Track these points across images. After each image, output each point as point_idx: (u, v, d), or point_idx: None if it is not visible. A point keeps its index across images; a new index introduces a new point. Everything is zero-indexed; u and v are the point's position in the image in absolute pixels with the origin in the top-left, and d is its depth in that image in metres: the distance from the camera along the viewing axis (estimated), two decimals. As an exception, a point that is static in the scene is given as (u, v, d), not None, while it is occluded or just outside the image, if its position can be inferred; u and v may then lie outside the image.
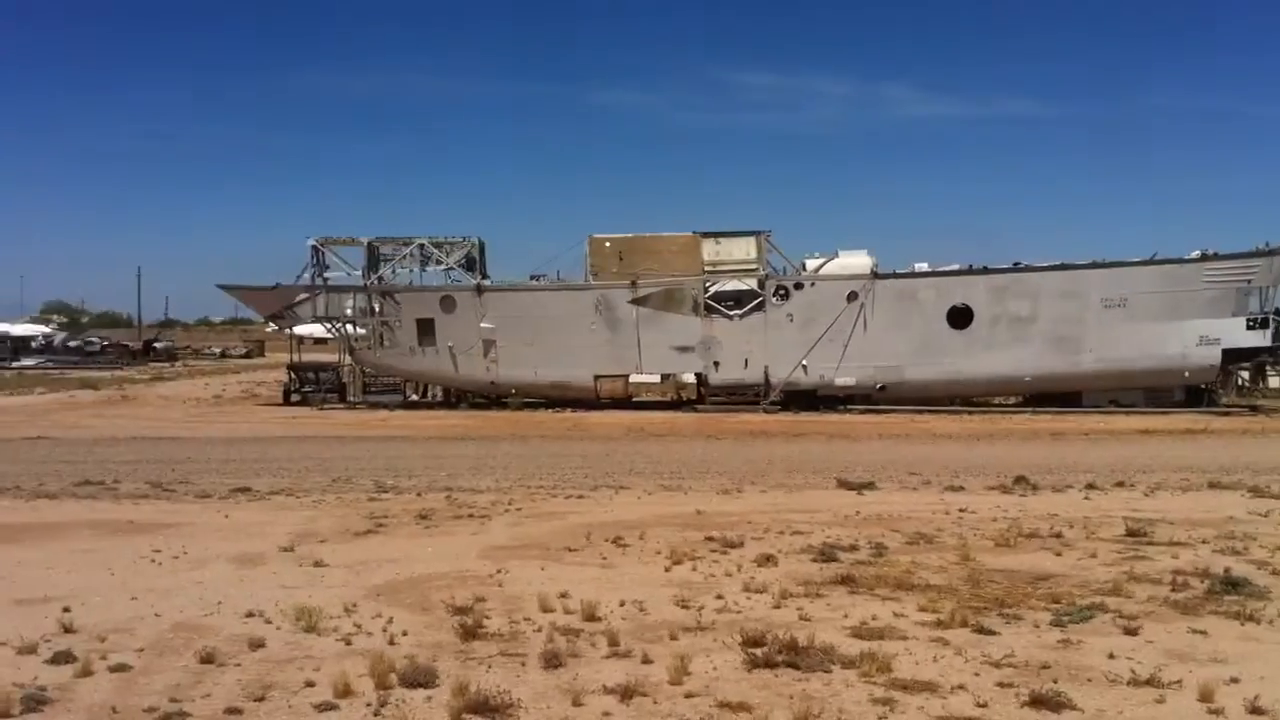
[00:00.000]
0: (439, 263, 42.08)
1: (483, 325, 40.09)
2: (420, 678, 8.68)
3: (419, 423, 35.34)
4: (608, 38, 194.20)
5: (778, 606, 11.00)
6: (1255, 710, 7.89)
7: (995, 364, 38.61)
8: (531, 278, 41.89)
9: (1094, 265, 38.98)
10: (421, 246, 41.93)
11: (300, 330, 48.12)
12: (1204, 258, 38.25)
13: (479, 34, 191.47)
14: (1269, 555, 13.36)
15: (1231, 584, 11.60)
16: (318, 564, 13.06)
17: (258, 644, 9.70)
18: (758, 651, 9.21)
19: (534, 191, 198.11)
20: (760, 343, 39.42)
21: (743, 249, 40.09)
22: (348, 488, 19.67)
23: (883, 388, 39.21)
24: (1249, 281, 37.91)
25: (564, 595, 11.28)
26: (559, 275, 41.65)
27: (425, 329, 40.72)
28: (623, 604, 11.06)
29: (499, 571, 12.64)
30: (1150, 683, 8.51)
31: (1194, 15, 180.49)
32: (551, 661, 9.13)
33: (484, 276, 41.64)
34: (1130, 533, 14.63)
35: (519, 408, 39.87)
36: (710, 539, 14.37)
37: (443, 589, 11.77)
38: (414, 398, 44.29)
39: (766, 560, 13.09)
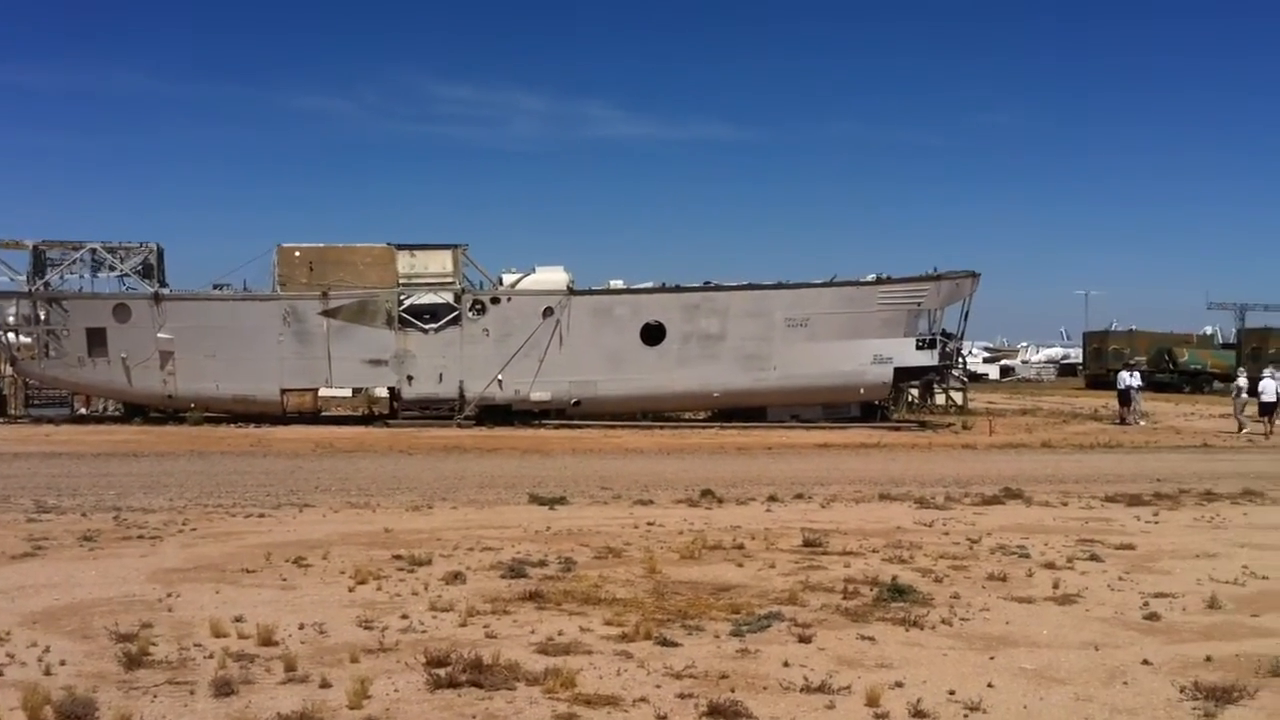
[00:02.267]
0: (112, 269, 39.79)
1: (160, 335, 38.09)
2: (78, 710, 8.05)
3: (87, 438, 33.20)
4: (300, 40, 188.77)
5: (464, 625, 10.82)
6: (918, 713, 8.26)
7: (686, 380, 39.66)
8: (214, 286, 40.09)
9: (779, 286, 40.68)
10: (94, 251, 39.52)
11: (-45, 339, 44.48)
12: (879, 281, 40.50)
13: (159, 29, 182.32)
14: (932, 563, 14.13)
15: (898, 591, 12.18)
16: (-35, 591, 11.99)
17: (-106, 679, 8.80)
18: (441, 671, 9.00)
19: (220, 197, 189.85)
20: (455, 357, 39.11)
21: (439, 262, 39.70)
22: (4, 507, 18.23)
23: (577, 403, 39.61)
24: (919, 304, 40.41)
25: (239, 619, 10.73)
26: (245, 285, 40.15)
27: (96, 339, 38.31)
28: (302, 626, 10.63)
29: (169, 595, 11.94)
30: (821, 689, 8.79)
31: (868, 49, 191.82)
32: (222, 689, 8.64)
33: (162, 284, 39.59)
34: (807, 543, 15.22)
35: (199, 422, 38.04)
36: (398, 557, 14.04)
37: (106, 615, 11.00)
38: (83, 411, 41.72)
39: (454, 578, 12.88)
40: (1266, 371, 42.52)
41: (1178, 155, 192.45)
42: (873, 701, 8.47)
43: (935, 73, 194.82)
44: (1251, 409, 40.59)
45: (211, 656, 9.57)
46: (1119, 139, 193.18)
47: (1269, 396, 40.09)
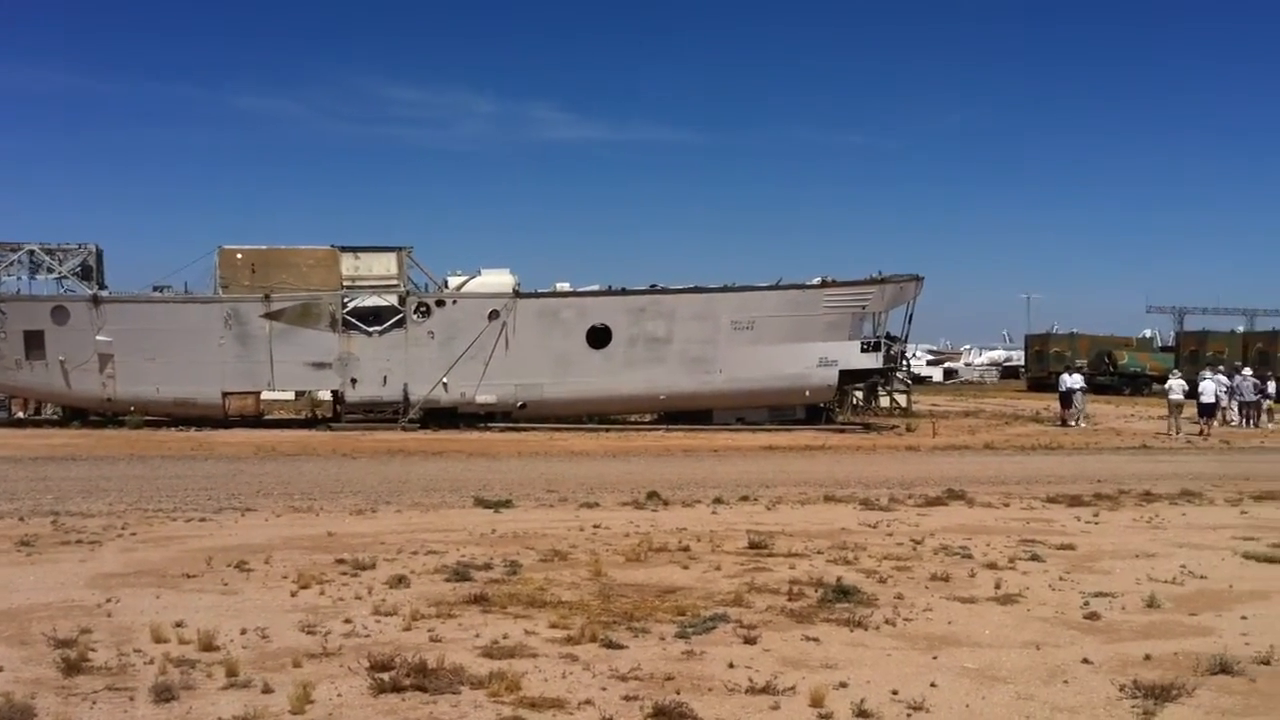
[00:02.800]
0: (51, 270, 39.24)
1: (99, 338, 37.58)
2: (16, 716, 7.97)
3: (24, 442, 32.69)
4: (248, 41, 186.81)
5: (408, 629, 10.75)
6: (862, 713, 8.30)
7: (632, 382, 39.70)
8: (155, 288, 39.63)
9: (725, 289, 40.83)
10: (31, 253, 38.96)
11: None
12: (824, 284, 40.75)
13: (99, 26, 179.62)
14: (876, 564, 14.22)
15: (842, 592, 12.25)
16: (-103, 598, 11.76)
17: None
18: (385, 675, 8.94)
19: (161, 198, 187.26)
20: (400, 360, 38.89)
21: (383, 264, 39.48)
22: (-64, 514, 17.91)
23: (523, 405, 39.52)
24: (864, 307, 40.73)
25: (180, 624, 10.61)
26: (186, 287, 39.74)
27: (34, 341, 37.75)
28: (244, 632, 10.52)
29: (109, 601, 11.77)
30: (766, 690, 8.82)
31: (813, 53, 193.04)
32: (163, 695, 8.53)
33: (102, 286, 39.12)
34: (752, 545, 15.26)
35: (139, 426, 37.58)
36: (341, 561, 13.93)
37: (45, 620, 10.84)
38: (21, 415, 41.10)
39: (399, 581, 12.80)
40: (1205, 373, 43.08)
41: (1117, 160, 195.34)
42: (817, 702, 8.51)
43: (881, 77, 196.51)
44: (1190, 410, 41.05)
45: (152, 662, 9.45)
46: (1060, 144, 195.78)
47: (1207, 398, 40.63)
